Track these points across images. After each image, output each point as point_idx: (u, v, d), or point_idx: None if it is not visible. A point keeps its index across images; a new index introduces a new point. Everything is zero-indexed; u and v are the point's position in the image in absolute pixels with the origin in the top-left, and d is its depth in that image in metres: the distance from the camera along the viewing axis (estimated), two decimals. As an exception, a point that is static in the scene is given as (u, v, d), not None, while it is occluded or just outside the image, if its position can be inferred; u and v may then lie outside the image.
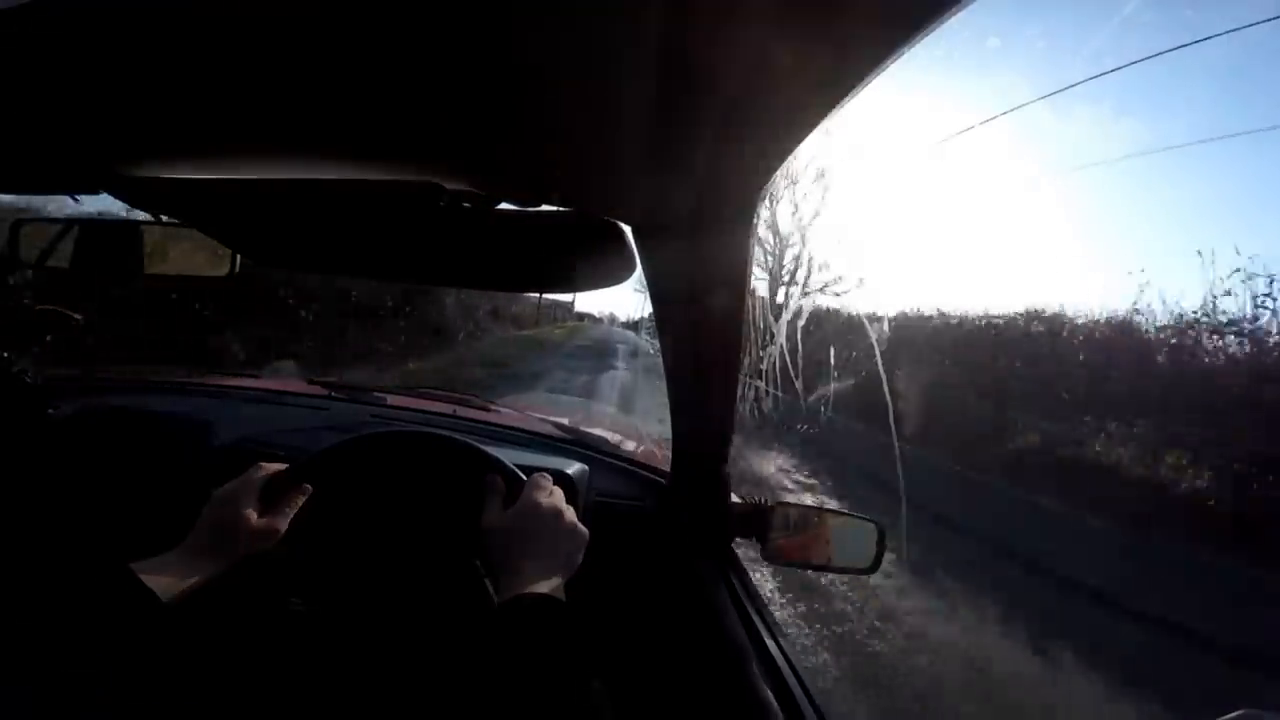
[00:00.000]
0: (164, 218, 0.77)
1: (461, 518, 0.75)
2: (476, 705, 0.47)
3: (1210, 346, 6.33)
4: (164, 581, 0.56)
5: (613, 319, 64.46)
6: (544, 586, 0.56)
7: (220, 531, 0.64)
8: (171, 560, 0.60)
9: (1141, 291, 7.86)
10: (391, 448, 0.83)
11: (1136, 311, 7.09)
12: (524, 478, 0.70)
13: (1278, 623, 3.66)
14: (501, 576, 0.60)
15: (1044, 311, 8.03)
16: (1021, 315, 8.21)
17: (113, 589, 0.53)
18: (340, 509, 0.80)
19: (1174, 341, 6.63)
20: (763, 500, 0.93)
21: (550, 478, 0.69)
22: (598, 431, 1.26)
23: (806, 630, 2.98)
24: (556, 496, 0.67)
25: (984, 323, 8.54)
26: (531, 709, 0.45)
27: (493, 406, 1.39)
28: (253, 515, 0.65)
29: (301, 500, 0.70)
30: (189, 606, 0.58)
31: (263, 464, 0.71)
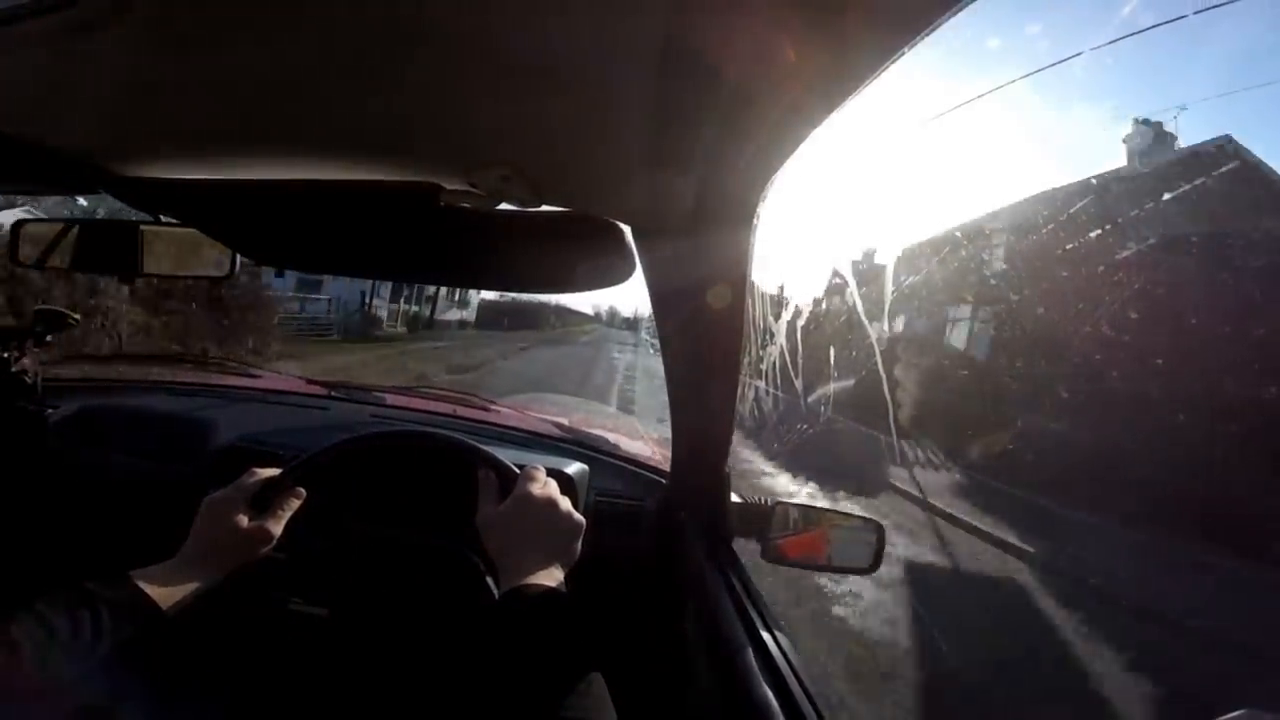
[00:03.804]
0: (164, 218, 0.77)
1: (457, 514, 0.75)
2: (478, 697, 0.47)
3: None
4: (163, 591, 0.57)
5: (613, 315, 57.38)
6: (543, 577, 0.56)
7: (215, 539, 0.64)
8: (170, 569, 0.60)
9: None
10: (384, 447, 0.82)
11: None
12: (517, 471, 0.70)
13: None
14: (500, 570, 0.60)
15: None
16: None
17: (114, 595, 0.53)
18: (336, 510, 0.80)
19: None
20: (763, 500, 0.93)
21: (543, 470, 0.69)
22: (598, 431, 1.26)
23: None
24: (550, 488, 0.66)
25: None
26: (533, 699, 0.45)
27: (493, 406, 1.39)
28: (246, 521, 0.65)
29: (295, 504, 0.70)
30: (189, 614, 0.58)
31: (255, 469, 0.71)
